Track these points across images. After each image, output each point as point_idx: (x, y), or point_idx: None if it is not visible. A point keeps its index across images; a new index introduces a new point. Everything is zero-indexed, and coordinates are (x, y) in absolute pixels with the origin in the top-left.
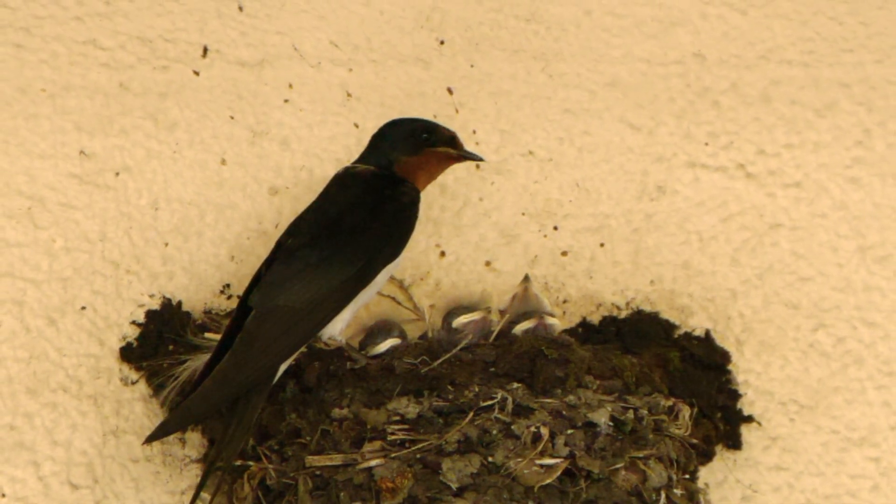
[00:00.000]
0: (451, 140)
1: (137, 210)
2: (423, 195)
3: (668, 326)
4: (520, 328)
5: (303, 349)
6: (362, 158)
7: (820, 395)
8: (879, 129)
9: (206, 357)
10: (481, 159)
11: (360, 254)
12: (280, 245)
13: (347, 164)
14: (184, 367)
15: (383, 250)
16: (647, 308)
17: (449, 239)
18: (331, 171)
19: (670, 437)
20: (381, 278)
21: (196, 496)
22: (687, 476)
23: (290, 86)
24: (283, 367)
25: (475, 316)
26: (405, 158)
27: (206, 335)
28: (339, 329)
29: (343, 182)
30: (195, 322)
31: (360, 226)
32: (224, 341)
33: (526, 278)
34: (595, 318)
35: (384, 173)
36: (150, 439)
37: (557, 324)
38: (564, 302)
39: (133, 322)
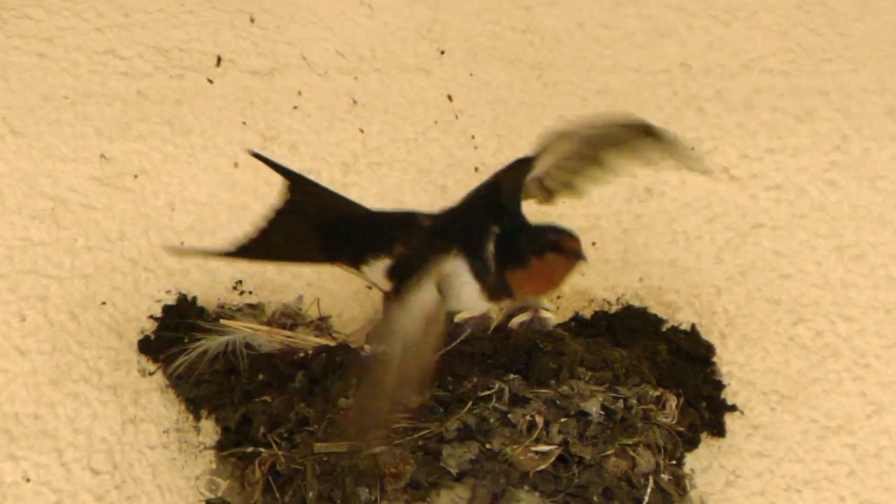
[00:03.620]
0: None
1: (154, 211)
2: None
3: (656, 321)
4: (516, 320)
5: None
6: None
7: (799, 385)
8: (856, 134)
9: (220, 339)
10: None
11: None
12: (415, 219)
13: (352, 167)
14: (197, 345)
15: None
16: (636, 303)
17: None
18: (337, 174)
19: (658, 426)
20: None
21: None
22: (674, 462)
23: (299, 93)
24: None
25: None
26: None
27: (221, 321)
28: None
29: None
30: (209, 317)
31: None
32: None
33: None
34: (587, 313)
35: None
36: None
37: (552, 318)
38: (558, 298)
39: (150, 316)
